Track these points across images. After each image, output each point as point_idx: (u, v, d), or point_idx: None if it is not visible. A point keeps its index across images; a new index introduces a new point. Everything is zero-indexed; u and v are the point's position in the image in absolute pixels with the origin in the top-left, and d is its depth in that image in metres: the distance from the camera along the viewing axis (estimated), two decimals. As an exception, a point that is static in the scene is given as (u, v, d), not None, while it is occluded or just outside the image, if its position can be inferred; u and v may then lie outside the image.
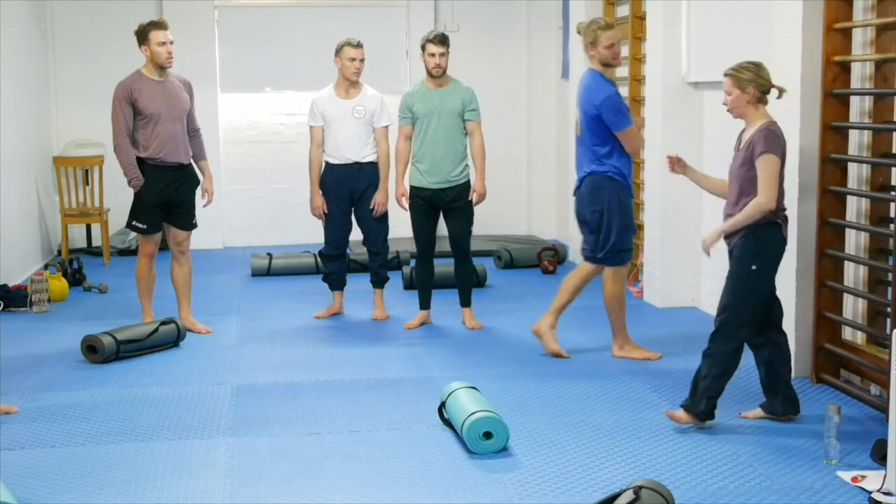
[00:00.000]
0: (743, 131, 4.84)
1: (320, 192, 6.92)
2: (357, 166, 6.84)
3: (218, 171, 10.06)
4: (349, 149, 6.82)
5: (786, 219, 4.76)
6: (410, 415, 5.03)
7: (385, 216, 6.94)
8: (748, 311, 4.71)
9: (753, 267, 4.67)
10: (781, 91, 4.76)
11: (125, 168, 6.45)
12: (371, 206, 6.85)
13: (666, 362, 5.92)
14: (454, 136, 6.60)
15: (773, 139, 4.65)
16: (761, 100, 4.72)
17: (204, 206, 6.80)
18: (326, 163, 6.91)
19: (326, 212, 6.92)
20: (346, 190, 6.87)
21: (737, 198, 4.73)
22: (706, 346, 4.77)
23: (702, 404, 4.72)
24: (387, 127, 6.86)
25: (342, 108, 6.82)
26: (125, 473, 4.31)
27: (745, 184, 4.69)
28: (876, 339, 5.22)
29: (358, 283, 7.58)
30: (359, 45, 6.78)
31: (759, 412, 4.91)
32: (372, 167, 6.86)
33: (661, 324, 6.84)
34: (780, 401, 4.85)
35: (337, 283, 7.17)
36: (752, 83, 4.70)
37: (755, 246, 4.67)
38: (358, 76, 6.79)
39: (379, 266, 7.06)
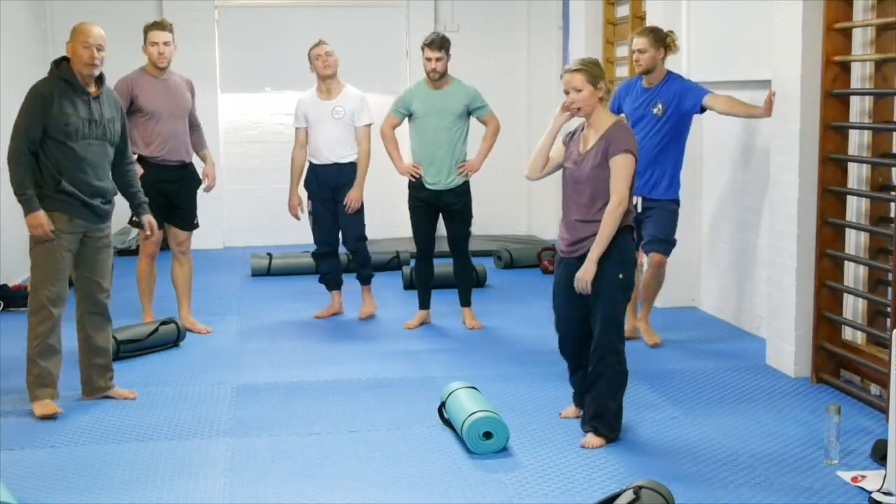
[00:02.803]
0: (575, 132, 4.64)
1: (297, 194, 6.99)
2: (336, 167, 6.85)
3: (218, 172, 9.98)
4: (328, 150, 6.84)
5: (636, 222, 4.63)
6: (410, 415, 5.03)
7: (361, 216, 6.91)
8: (623, 323, 4.62)
9: (620, 276, 4.48)
10: (608, 90, 4.60)
11: None
12: (344, 204, 6.84)
13: (666, 362, 5.92)
14: (454, 137, 6.60)
15: (629, 137, 4.49)
16: (604, 97, 4.55)
17: (205, 190, 6.77)
18: (310, 163, 6.94)
19: (309, 211, 6.97)
20: (328, 190, 6.89)
21: (590, 201, 4.50)
22: (595, 366, 4.56)
23: (618, 426, 4.61)
24: (368, 126, 6.86)
25: (323, 109, 6.85)
26: (125, 473, 4.31)
27: (600, 184, 4.47)
28: (876, 339, 5.22)
29: (357, 283, 7.56)
30: (323, 43, 6.85)
31: (576, 409, 4.87)
32: (351, 168, 6.87)
33: (660, 324, 6.83)
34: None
35: (333, 283, 7.16)
36: (602, 79, 4.50)
37: (617, 254, 4.47)
38: (330, 69, 6.81)
39: (359, 265, 7.06)
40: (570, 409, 4.93)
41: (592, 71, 4.48)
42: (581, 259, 4.52)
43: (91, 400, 5.31)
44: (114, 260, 5.39)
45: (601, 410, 4.57)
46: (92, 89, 5.06)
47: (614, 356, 4.53)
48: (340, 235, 7.04)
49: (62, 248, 5.02)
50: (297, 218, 7.10)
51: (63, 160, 4.95)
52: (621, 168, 4.42)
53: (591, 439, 4.58)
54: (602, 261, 4.46)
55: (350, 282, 7.41)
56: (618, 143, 4.43)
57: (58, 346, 5.15)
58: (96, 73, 5.05)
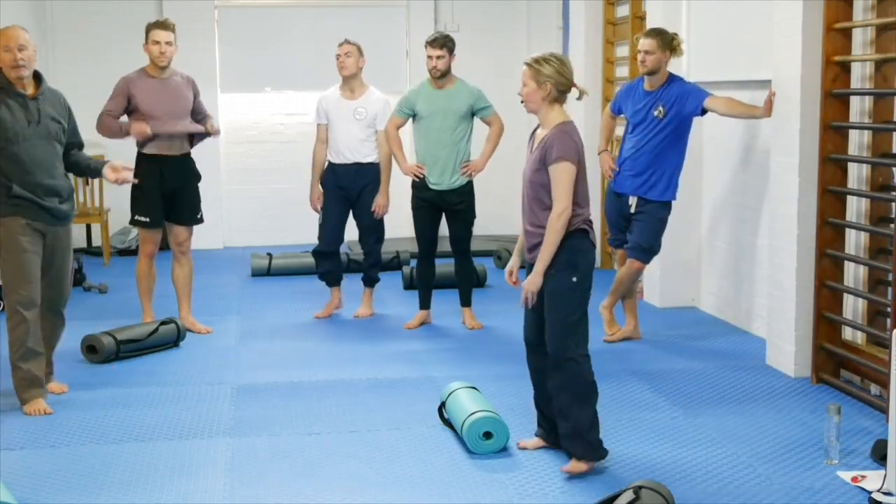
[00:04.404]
0: (536, 129, 4.42)
1: (318, 188, 6.97)
2: (356, 167, 6.85)
3: (218, 171, 10.08)
4: (348, 149, 6.84)
5: (591, 223, 4.30)
6: (410, 415, 5.03)
7: (381, 219, 6.95)
8: (581, 330, 4.27)
9: (574, 279, 4.21)
10: (582, 93, 4.27)
11: (114, 131, 6.45)
12: (372, 210, 6.86)
13: (666, 362, 5.92)
14: (458, 138, 6.60)
15: (567, 144, 4.18)
16: (558, 99, 4.26)
17: (211, 128, 6.61)
18: (328, 161, 6.93)
19: (322, 207, 6.96)
20: (345, 190, 6.89)
21: (531, 205, 4.30)
22: (553, 379, 4.28)
23: (596, 442, 4.30)
24: None
25: (345, 108, 6.84)
26: (125, 473, 4.31)
27: (539, 189, 4.25)
28: (876, 339, 5.22)
29: (358, 284, 7.55)
30: (344, 43, 6.85)
31: (537, 441, 4.55)
32: (371, 168, 6.87)
33: (660, 324, 6.84)
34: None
35: (334, 280, 7.16)
36: (551, 80, 4.22)
37: (567, 257, 4.21)
38: (346, 70, 6.80)
39: (370, 266, 7.08)
40: (530, 441, 4.57)
41: (539, 67, 4.23)
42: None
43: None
44: (72, 265, 5.37)
45: (576, 428, 4.24)
46: (29, 91, 5.07)
47: (573, 365, 4.23)
48: (358, 233, 7.04)
49: (25, 249, 5.02)
50: (318, 211, 7.07)
51: (9, 165, 4.97)
52: (559, 177, 4.17)
53: (573, 465, 4.26)
54: (551, 266, 4.21)
55: (352, 282, 7.40)
56: (553, 149, 4.18)
57: (37, 347, 5.14)
58: (25, 73, 5.03)
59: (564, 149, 4.18)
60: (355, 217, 7.00)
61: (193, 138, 6.64)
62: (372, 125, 6.83)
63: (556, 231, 4.18)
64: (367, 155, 6.85)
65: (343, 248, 7.16)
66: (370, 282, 7.16)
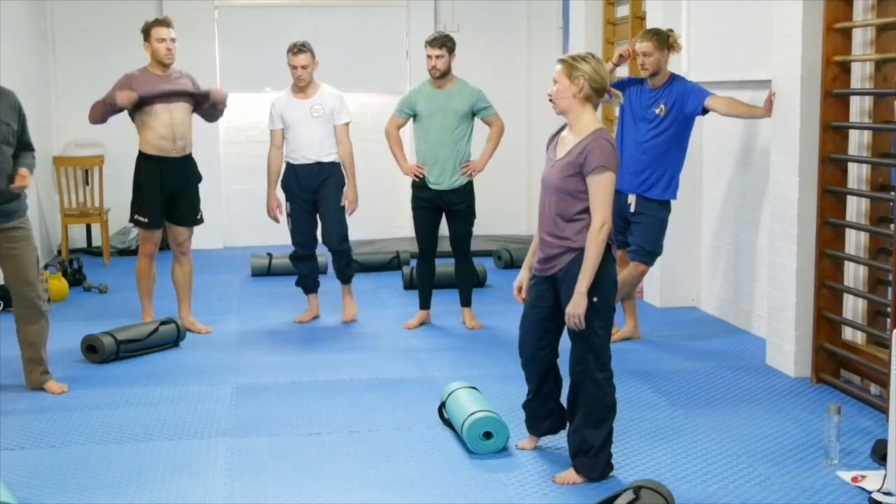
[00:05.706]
0: (559, 131, 4.23)
1: (276, 196, 6.91)
2: (318, 166, 6.78)
3: (218, 171, 10.08)
4: (309, 149, 6.76)
5: (612, 238, 4.13)
6: (410, 415, 5.03)
7: (343, 216, 6.87)
8: (604, 350, 4.14)
9: (595, 300, 4.02)
10: (615, 95, 4.15)
11: (102, 109, 6.41)
12: (341, 205, 6.79)
13: (666, 362, 5.93)
14: (458, 138, 6.59)
15: (609, 152, 4.01)
16: (591, 99, 4.10)
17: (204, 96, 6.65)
18: (288, 163, 6.84)
19: (288, 213, 6.88)
20: (308, 190, 6.81)
21: (556, 214, 4.10)
22: (572, 398, 4.21)
23: (600, 465, 4.18)
24: (347, 124, 6.81)
25: (300, 108, 6.76)
26: (125, 473, 4.31)
27: (566, 198, 4.07)
28: (876, 339, 5.22)
29: (358, 283, 7.56)
30: (298, 52, 6.68)
31: (534, 440, 4.56)
32: (331, 167, 6.80)
33: (660, 324, 6.84)
34: (553, 421, 4.47)
35: (311, 286, 7.10)
36: (585, 75, 4.06)
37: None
38: (303, 82, 6.70)
39: (344, 265, 6.98)
40: (527, 441, 4.57)
41: (574, 63, 4.07)
42: (551, 279, 4.19)
43: (32, 391, 5.39)
44: (37, 255, 5.43)
45: (583, 446, 4.16)
46: None
47: (592, 387, 4.12)
48: (320, 236, 6.96)
49: None
50: (276, 220, 7.03)
51: None
52: (599, 187, 4.00)
53: (567, 475, 4.20)
54: (571, 284, 4.05)
55: (329, 282, 7.38)
56: (593, 157, 4.00)
57: None
58: None
59: (606, 157, 4.00)
60: (319, 216, 6.91)
61: (197, 105, 6.62)
62: (329, 121, 6.76)
63: (599, 244, 3.99)
64: (328, 154, 6.78)
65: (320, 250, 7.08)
66: (346, 278, 7.03)
